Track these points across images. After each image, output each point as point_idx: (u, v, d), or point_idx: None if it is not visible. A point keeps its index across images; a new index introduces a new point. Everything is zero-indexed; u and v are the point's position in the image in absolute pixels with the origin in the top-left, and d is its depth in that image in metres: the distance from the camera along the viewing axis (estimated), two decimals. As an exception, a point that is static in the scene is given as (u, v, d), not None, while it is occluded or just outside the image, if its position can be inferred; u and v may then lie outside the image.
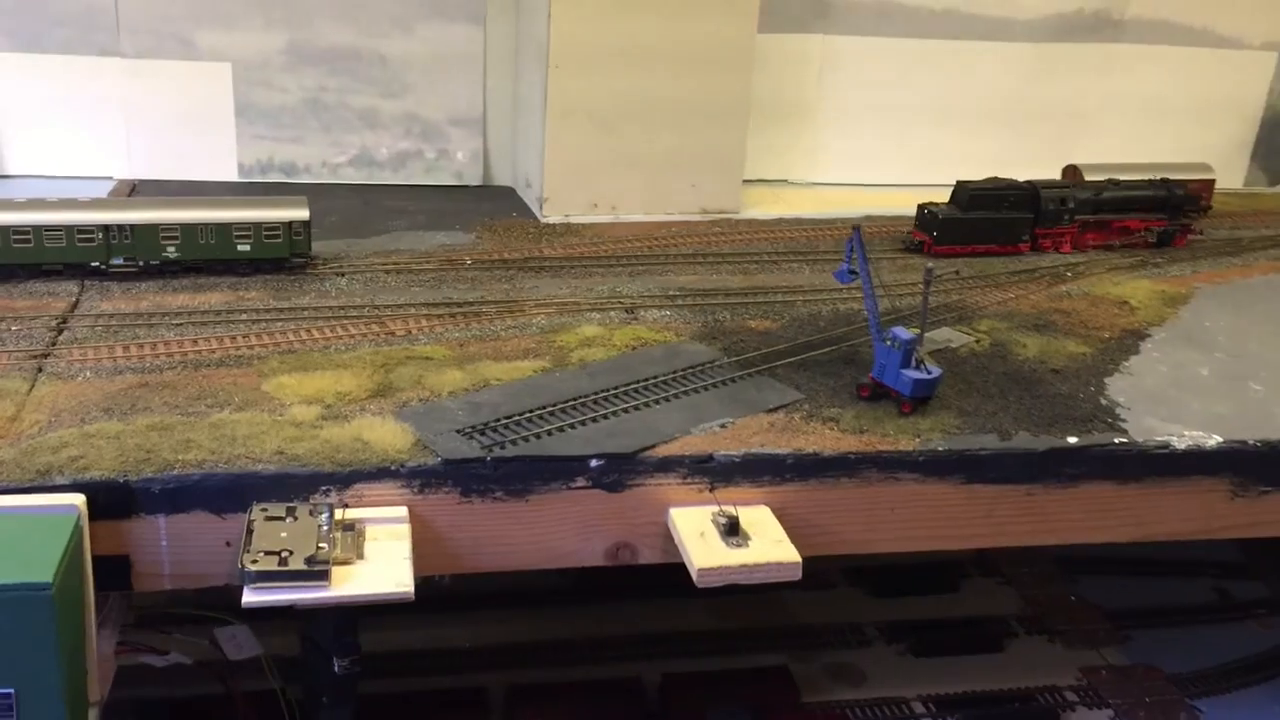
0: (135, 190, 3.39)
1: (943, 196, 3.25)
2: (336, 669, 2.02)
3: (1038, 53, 4.05)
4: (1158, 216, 3.33)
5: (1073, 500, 2.15)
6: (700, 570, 1.85)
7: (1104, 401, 2.30)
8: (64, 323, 2.38)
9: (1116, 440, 2.15)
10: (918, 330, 2.23)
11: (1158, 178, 3.38)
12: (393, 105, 3.65)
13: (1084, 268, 3.13)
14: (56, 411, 1.98)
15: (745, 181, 3.60)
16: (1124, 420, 2.23)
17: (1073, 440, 2.14)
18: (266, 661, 2.27)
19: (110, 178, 3.47)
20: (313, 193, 3.15)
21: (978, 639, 3.22)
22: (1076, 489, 2.15)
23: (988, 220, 3.15)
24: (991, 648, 3.20)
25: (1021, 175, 3.29)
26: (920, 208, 3.23)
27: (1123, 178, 3.37)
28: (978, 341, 2.55)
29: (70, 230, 2.56)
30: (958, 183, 3.24)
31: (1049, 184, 3.25)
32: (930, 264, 2.31)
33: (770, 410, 2.17)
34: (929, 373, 2.17)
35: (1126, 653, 3.18)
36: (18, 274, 2.58)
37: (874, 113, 4.00)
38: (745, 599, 3.06)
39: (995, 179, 3.25)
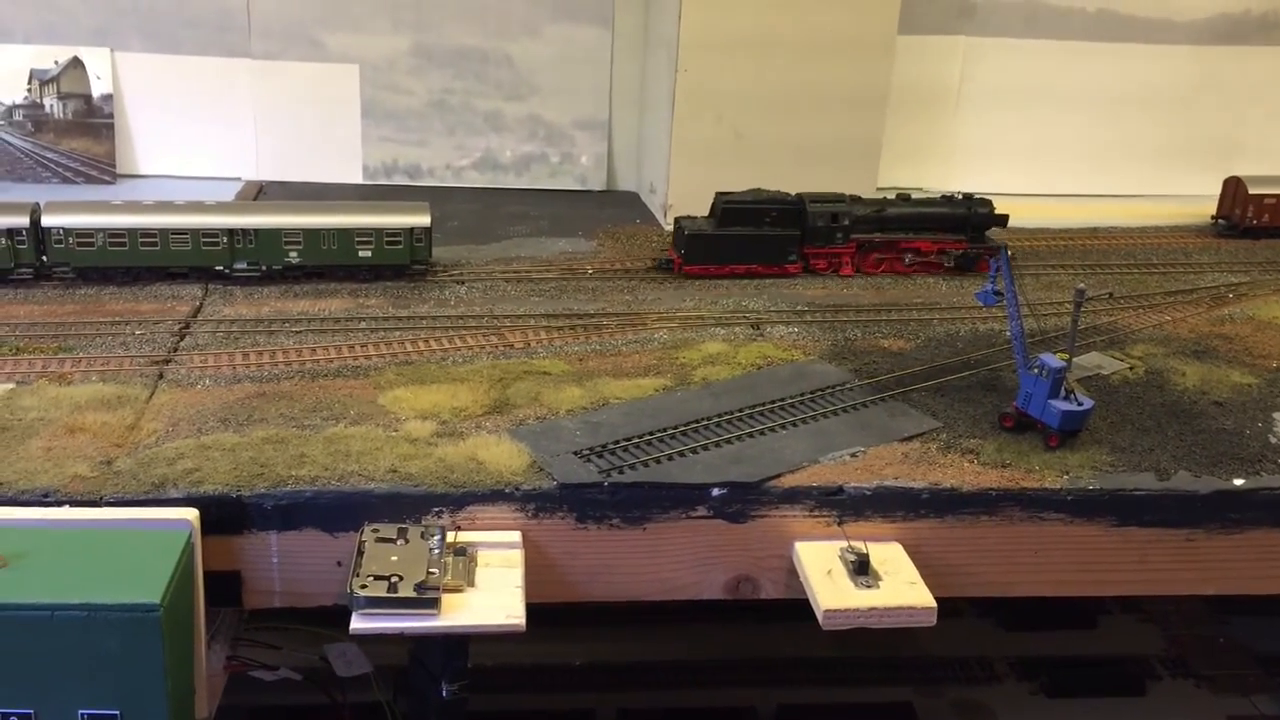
0: (262, 192, 3.41)
1: (1095, 209, 3.03)
2: (445, 694, 1.97)
3: (1199, 56, 3.81)
4: (955, 238, 2.95)
5: (1237, 548, 1.98)
6: (827, 611, 1.75)
7: (1273, 439, 2.11)
8: (186, 328, 2.38)
9: (1289, 484, 1.97)
10: (1067, 357, 2.08)
11: (958, 194, 3.03)
12: (517, 108, 3.61)
13: (1247, 288, 2.90)
14: (174, 421, 1.97)
15: (879, 190, 3.45)
16: (1296, 461, 2.04)
17: (1239, 482, 1.97)
18: (375, 679, 2.23)
19: (238, 178, 3.51)
20: (435, 196, 3.13)
21: (1117, 680, 3.04)
22: (1242, 536, 1.98)
23: (746, 237, 2.82)
24: (1132, 690, 3.02)
25: (1180, 187, 3.06)
26: (675, 221, 2.91)
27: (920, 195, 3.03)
28: (1131, 369, 2.38)
29: (196, 234, 2.58)
30: (717, 194, 2.89)
31: (819, 198, 2.91)
32: (1081, 284, 2.15)
33: (904, 439, 2.04)
34: (1080, 404, 2.02)
35: (1282, 703, 2.97)
36: (144, 276, 2.60)
37: (1018, 118, 3.81)
38: (868, 626, 2.94)
39: (759, 190, 2.89)
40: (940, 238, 2.95)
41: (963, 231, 2.96)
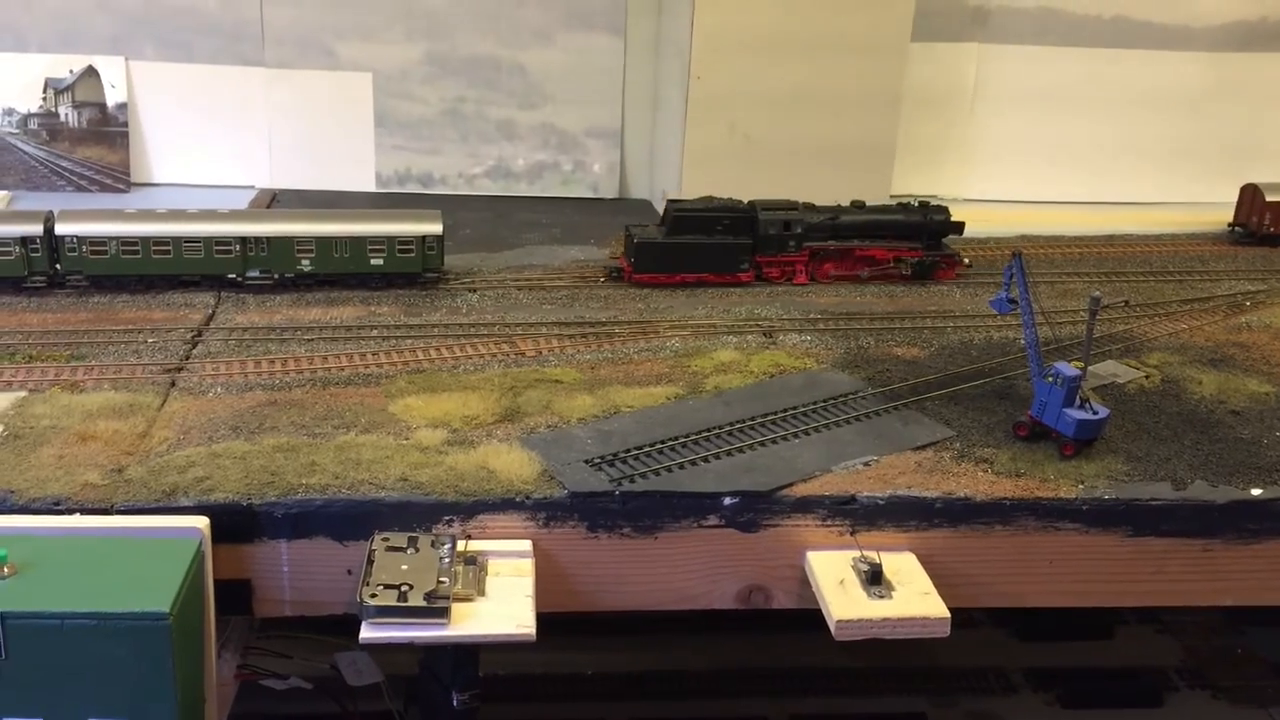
0: (275, 200, 3.42)
1: (1110, 216, 3.01)
2: (455, 703, 1.96)
3: (1215, 62, 3.79)
4: (911, 246, 2.92)
5: (1255, 558, 1.97)
6: (839, 622, 1.74)
7: (1291, 449, 2.10)
8: (199, 335, 2.38)
9: (1307, 494, 1.95)
10: (1081, 365, 2.06)
11: (914, 201, 2.99)
12: (530, 116, 3.61)
13: (1264, 296, 2.88)
14: (186, 429, 1.97)
15: (892, 198, 3.44)
16: (1315, 471, 2.02)
17: (1257, 492, 1.95)
18: (385, 687, 2.22)
19: (252, 187, 3.51)
20: (447, 204, 3.13)
21: (1134, 691, 3.01)
22: (1260, 546, 1.96)
23: (697, 245, 2.78)
24: (1149, 702, 2.99)
25: (1196, 195, 3.04)
26: (625, 228, 2.89)
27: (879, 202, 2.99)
28: (1147, 377, 2.36)
29: (208, 242, 2.58)
30: (668, 202, 2.88)
31: (772, 205, 2.86)
32: (1096, 292, 2.13)
33: (918, 448, 2.03)
34: (1095, 412, 2.00)
35: (1300, 715, 2.93)
36: (157, 284, 2.61)
37: (1033, 125, 3.79)
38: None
39: (710, 198, 2.86)
40: (895, 245, 2.92)
41: (919, 239, 2.93)
